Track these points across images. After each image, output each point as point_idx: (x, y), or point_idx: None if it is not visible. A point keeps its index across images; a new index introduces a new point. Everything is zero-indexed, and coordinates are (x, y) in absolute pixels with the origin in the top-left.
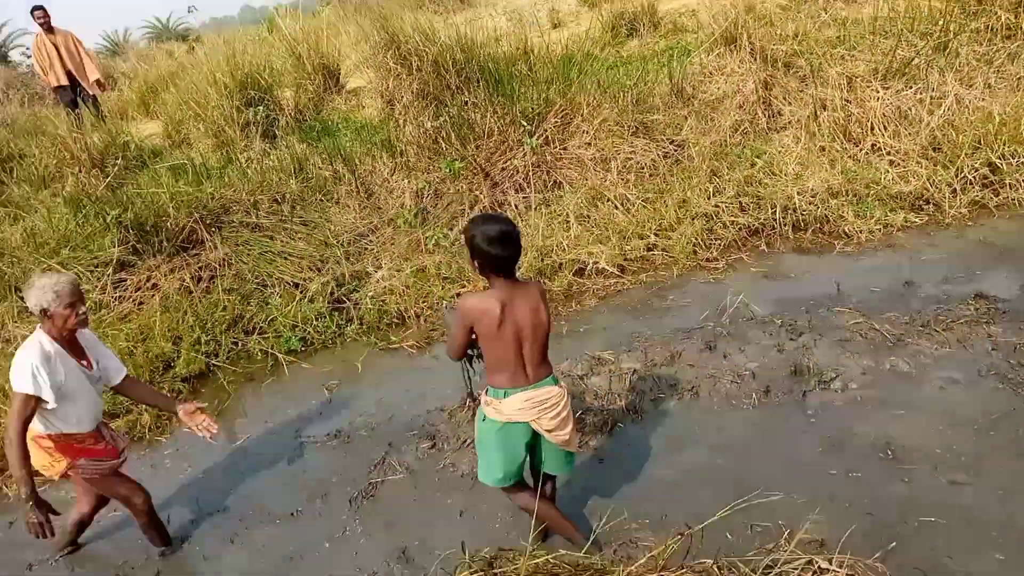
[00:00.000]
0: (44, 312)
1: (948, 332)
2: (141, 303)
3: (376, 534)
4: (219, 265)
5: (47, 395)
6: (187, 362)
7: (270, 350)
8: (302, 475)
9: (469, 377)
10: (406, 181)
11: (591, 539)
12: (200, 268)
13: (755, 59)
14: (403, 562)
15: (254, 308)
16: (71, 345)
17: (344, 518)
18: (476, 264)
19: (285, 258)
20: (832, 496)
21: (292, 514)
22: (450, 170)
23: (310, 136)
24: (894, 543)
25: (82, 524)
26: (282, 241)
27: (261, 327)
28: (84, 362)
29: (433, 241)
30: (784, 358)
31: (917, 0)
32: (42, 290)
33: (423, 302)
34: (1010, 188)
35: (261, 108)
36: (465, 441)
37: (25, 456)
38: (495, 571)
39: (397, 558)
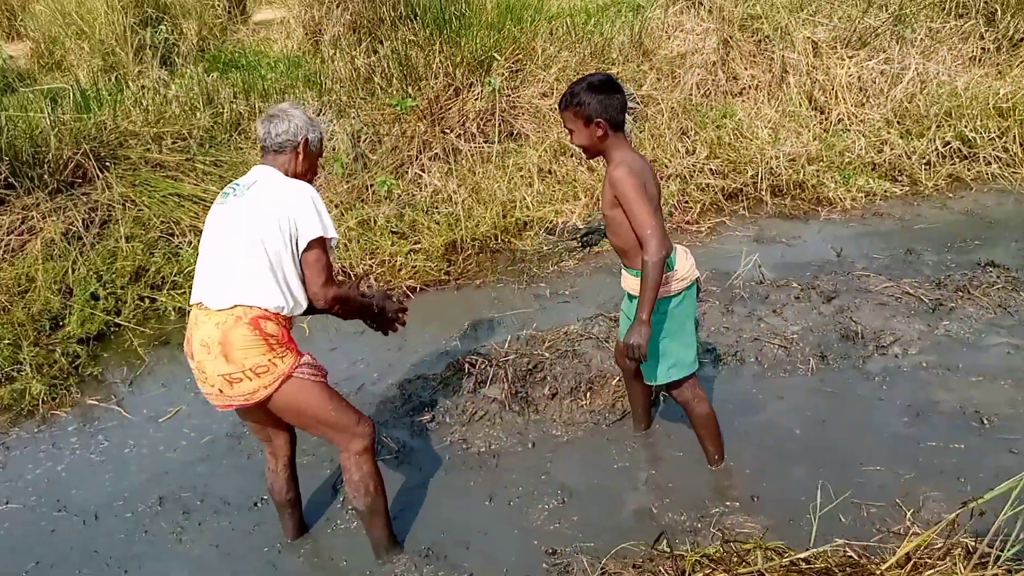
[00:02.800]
0: (305, 144)
1: (987, 297)
2: (15, 249)
3: None
4: (114, 208)
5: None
6: (81, 319)
7: (188, 308)
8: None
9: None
10: (337, 123)
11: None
12: (90, 210)
13: (714, 18)
14: (433, 559)
15: (160, 259)
16: None
17: (334, 508)
18: (600, 127)
19: (195, 202)
20: (941, 470)
21: (255, 505)
22: (401, 108)
23: (215, 67)
24: None
25: (293, 484)
26: (191, 183)
27: (174, 280)
28: None
29: (385, 189)
30: (827, 322)
31: None
32: (313, 122)
33: (370, 258)
34: (983, 162)
35: (162, 28)
36: (474, 414)
37: (362, 303)
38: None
39: (424, 555)
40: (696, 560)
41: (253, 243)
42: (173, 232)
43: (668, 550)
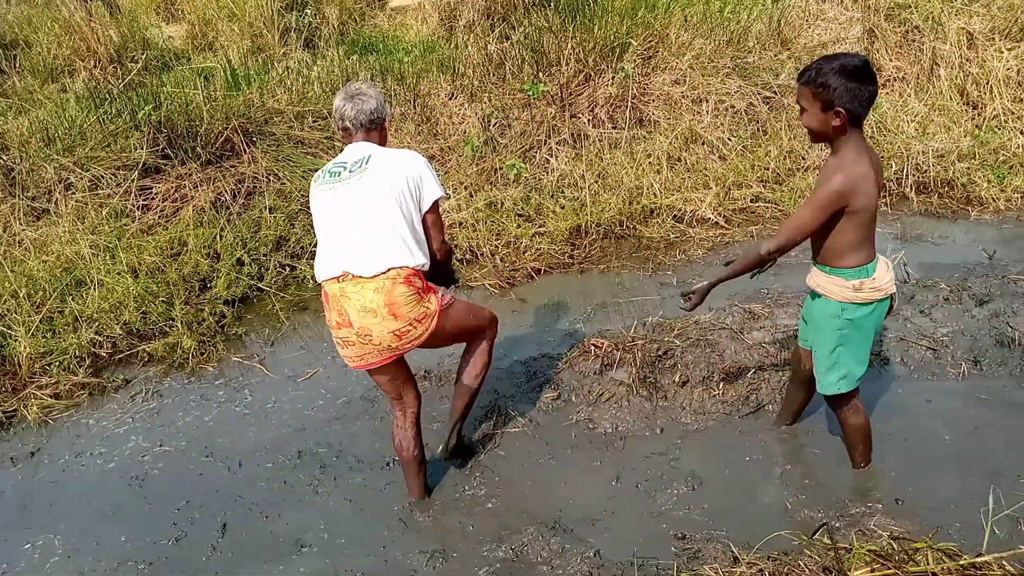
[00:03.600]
0: (383, 121)
1: None
2: (169, 215)
3: (504, 497)
4: (259, 180)
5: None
6: (227, 283)
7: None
8: (388, 420)
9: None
10: (469, 107)
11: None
12: (237, 182)
13: (858, 6)
14: (560, 532)
15: (300, 231)
16: None
17: (455, 473)
18: (840, 118)
19: None
20: None
21: (387, 465)
22: (532, 93)
23: (354, 51)
24: None
25: (419, 442)
26: (329, 160)
27: (312, 251)
28: None
29: (513, 172)
30: (980, 326)
31: None
32: (380, 97)
33: (496, 239)
34: None
35: (306, 12)
36: (601, 395)
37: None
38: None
39: (551, 526)
40: (862, 555)
41: (392, 211)
42: None
43: (829, 541)
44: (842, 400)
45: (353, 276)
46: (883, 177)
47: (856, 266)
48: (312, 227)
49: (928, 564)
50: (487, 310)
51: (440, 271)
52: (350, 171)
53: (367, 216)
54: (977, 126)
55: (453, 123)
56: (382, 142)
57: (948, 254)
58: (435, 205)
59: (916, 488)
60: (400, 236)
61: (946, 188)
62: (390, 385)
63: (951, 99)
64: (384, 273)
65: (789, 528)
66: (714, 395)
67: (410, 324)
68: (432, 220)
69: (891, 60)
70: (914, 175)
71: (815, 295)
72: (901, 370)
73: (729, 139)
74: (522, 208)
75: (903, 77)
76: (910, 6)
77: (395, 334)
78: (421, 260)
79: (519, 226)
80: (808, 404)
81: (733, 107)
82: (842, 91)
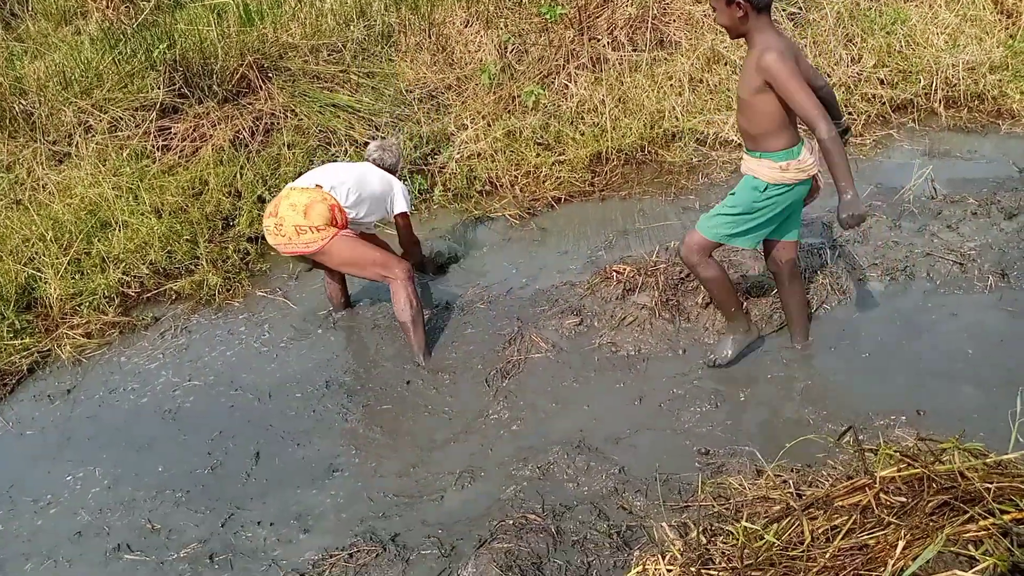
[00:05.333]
0: (395, 171)
1: None
2: (189, 154)
3: (529, 419)
4: (276, 117)
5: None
6: (250, 220)
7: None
8: (409, 350)
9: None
10: (485, 33)
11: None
12: (255, 119)
13: None
14: (584, 450)
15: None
16: None
17: (485, 399)
18: (743, 9)
19: (350, 112)
20: None
21: (411, 391)
22: (550, 16)
23: None
24: None
25: (344, 291)
26: (346, 94)
27: None
28: None
29: (532, 99)
30: (1008, 239)
31: None
32: (397, 156)
33: (515, 169)
34: None
35: None
36: (623, 319)
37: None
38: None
39: (576, 445)
40: (888, 455)
41: (359, 177)
42: (330, 141)
43: (856, 444)
44: (700, 251)
45: (303, 188)
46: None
47: (783, 149)
48: None
49: (955, 463)
50: (392, 257)
51: (412, 259)
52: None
53: (342, 169)
54: (1011, 35)
55: (469, 51)
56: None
57: (977, 169)
58: (404, 214)
59: (940, 399)
60: (350, 187)
61: (976, 102)
62: (316, 266)
63: (984, 8)
64: (319, 189)
65: (814, 440)
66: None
67: (310, 227)
68: (403, 224)
69: None
70: (943, 89)
71: (749, 178)
72: (927, 284)
73: None
74: (541, 136)
75: None
76: None
77: (296, 228)
78: (354, 212)
79: (538, 155)
80: (806, 304)
81: None
82: None
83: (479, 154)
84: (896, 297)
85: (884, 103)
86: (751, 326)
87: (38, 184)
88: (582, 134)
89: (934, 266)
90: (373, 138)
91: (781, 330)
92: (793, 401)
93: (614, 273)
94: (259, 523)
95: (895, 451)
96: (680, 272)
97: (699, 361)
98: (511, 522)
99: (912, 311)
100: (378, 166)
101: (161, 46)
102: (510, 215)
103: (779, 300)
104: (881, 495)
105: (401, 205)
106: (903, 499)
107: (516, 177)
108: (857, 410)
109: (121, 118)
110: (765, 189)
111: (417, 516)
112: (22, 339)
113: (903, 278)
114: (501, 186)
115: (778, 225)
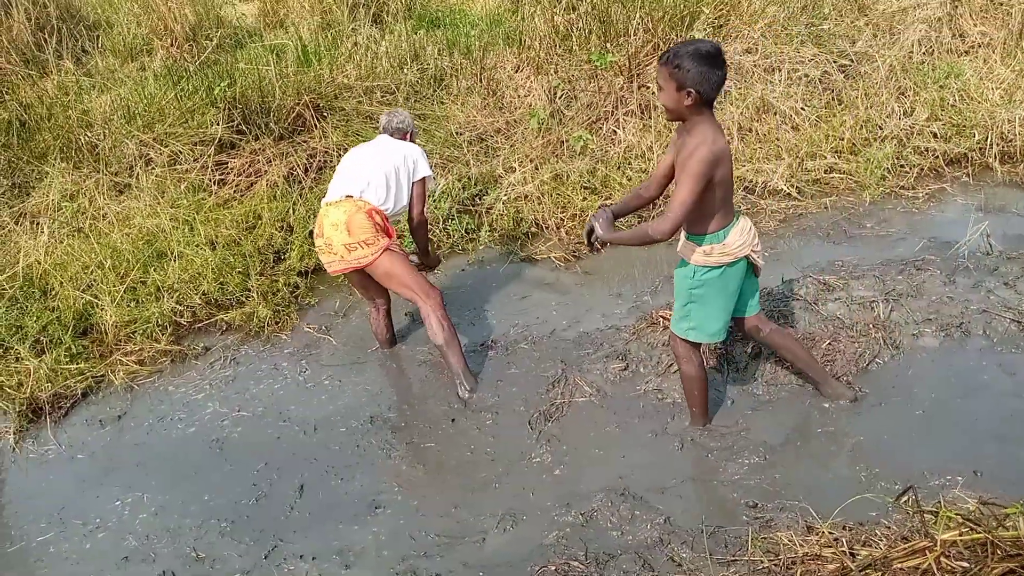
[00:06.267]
0: (405, 132)
1: None
2: (244, 189)
3: (572, 464)
4: (330, 154)
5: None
6: (300, 254)
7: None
8: (452, 388)
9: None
10: (535, 79)
11: (901, 496)
12: (309, 156)
13: None
14: (628, 498)
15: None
16: None
17: (527, 441)
18: (692, 98)
19: None
20: None
21: (452, 421)
22: (600, 64)
23: (421, 25)
24: None
25: (390, 325)
26: None
27: None
28: None
29: (580, 144)
30: None
31: None
32: (406, 117)
33: (562, 212)
34: None
35: None
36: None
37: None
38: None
39: (620, 492)
40: (949, 519)
41: (381, 166)
42: None
43: (916, 505)
44: (683, 348)
45: (337, 202)
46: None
47: (709, 232)
48: None
49: (1021, 529)
50: (426, 284)
51: (417, 239)
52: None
53: (364, 165)
54: None
55: (519, 96)
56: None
57: None
58: (422, 180)
59: (998, 462)
60: (377, 183)
61: None
62: (361, 290)
63: None
64: (351, 200)
65: (868, 498)
66: (786, 366)
67: (358, 243)
68: (417, 192)
69: (976, 25)
70: (998, 144)
71: (683, 262)
72: (984, 342)
73: (802, 109)
74: (588, 181)
75: (989, 43)
76: None
77: (346, 247)
78: (388, 205)
79: (584, 198)
80: (811, 357)
81: (807, 76)
82: (695, 74)
83: (526, 196)
84: (951, 354)
85: (937, 156)
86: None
87: (99, 213)
88: (629, 179)
89: (991, 323)
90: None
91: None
92: (844, 457)
93: (660, 319)
94: (301, 556)
95: (956, 514)
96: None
97: (747, 412)
98: (553, 568)
99: (968, 369)
100: (392, 135)
101: (222, 84)
102: (555, 257)
103: (831, 354)
104: (942, 559)
105: (424, 168)
106: (965, 564)
107: (562, 220)
108: (911, 469)
109: (180, 152)
110: (695, 275)
111: (458, 557)
112: (78, 364)
113: (958, 335)
114: (547, 228)
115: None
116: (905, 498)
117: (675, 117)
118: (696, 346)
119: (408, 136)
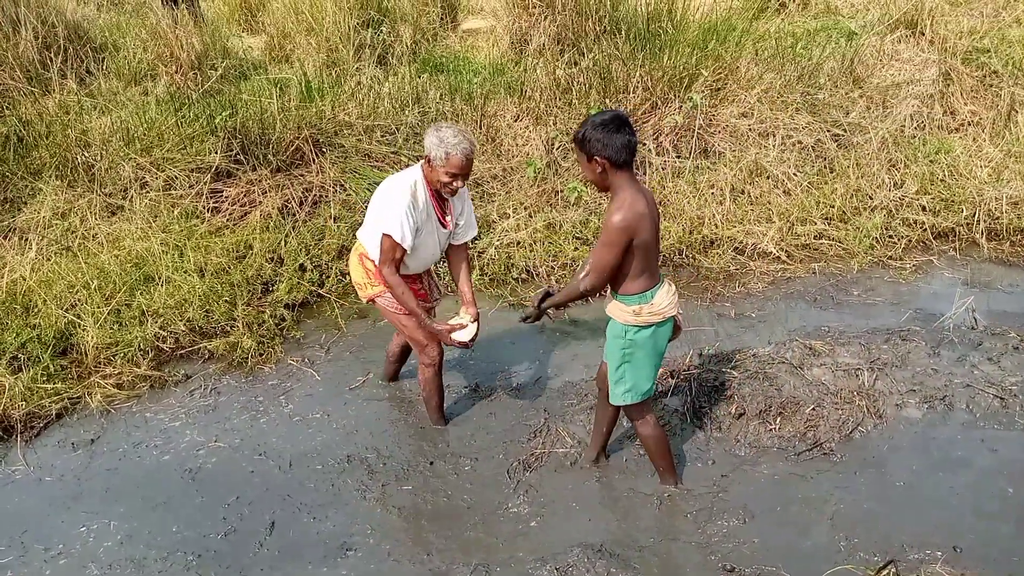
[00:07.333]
0: (427, 160)
1: None
2: (237, 218)
3: (549, 516)
4: (326, 190)
5: (407, 245)
6: (289, 287)
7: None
8: (433, 431)
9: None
10: (534, 129)
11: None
12: (305, 190)
13: (935, 49)
14: (605, 555)
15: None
16: (439, 197)
17: (505, 490)
18: (601, 165)
19: None
20: None
21: (430, 465)
22: (569, 193)
23: (425, 69)
24: None
25: (403, 354)
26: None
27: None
28: (443, 217)
29: (575, 195)
30: None
31: None
32: (440, 142)
33: (553, 260)
34: None
35: (383, 30)
36: None
37: (410, 295)
38: None
39: (596, 549)
40: None
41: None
42: None
43: None
44: (634, 412)
45: (358, 235)
46: (659, 213)
47: (636, 293)
48: None
49: None
50: (420, 337)
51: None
52: None
53: (376, 198)
54: None
55: (517, 144)
56: (428, 177)
57: (1019, 303)
58: (385, 236)
59: (978, 538)
60: (366, 222)
61: (1019, 236)
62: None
63: None
64: (357, 239)
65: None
66: (770, 429)
67: (358, 285)
68: (382, 246)
69: (966, 104)
70: (985, 221)
71: (609, 318)
72: (966, 416)
73: (795, 174)
74: (580, 231)
75: (978, 122)
76: (988, 51)
77: (353, 284)
78: (375, 255)
79: (576, 248)
80: (615, 421)
81: (800, 142)
82: (595, 142)
83: (519, 243)
84: (934, 426)
85: (926, 229)
86: (678, 486)
87: (89, 233)
88: None
89: (974, 398)
90: None
91: (814, 449)
92: (824, 525)
93: None
94: None
95: None
96: (714, 379)
97: (729, 473)
98: None
99: (950, 442)
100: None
101: (224, 113)
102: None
103: (814, 419)
104: None
105: (387, 222)
106: None
107: (553, 268)
108: (891, 541)
109: (176, 177)
110: (626, 334)
111: None
112: (55, 383)
113: (942, 407)
114: (537, 275)
115: None
116: (886, 572)
117: (600, 188)
118: (645, 406)
119: (428, 160)
